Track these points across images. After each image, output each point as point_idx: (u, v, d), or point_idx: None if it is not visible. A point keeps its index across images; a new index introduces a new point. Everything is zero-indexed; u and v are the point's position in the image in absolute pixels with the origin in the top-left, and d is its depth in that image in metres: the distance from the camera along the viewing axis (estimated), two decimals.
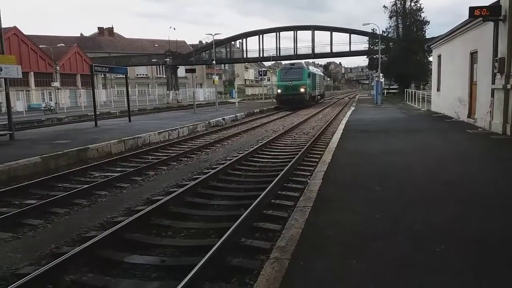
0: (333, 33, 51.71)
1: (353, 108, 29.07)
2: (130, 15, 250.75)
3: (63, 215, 6.77)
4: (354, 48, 51.81)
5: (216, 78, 37.68)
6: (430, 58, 35.08)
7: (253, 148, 12.28)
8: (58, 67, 51.74)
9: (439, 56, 22.07)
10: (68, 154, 11.15)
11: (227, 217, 6.22)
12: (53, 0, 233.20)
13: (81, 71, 56.82)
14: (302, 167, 9.58)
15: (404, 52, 45.72)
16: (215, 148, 13.61)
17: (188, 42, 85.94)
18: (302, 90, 34.20)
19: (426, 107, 25.23)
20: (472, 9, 12.42)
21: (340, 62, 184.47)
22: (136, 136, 14.46)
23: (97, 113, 21.29)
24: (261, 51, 54.25)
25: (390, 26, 51.37)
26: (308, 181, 7.49)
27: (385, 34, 49.94)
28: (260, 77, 49.45)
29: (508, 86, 11.70)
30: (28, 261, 4.89)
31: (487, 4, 12.61)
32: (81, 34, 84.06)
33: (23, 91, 41.77)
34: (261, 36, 53.58)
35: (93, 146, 12.20)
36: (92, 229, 5.96)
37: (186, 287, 3.79)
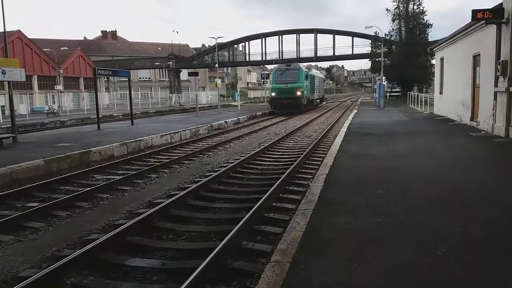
0: (336, 36, 51.70)
1: (356, 111, 29.03)
2: (133, 18, 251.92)
3: (65, 217, 6.77)
4: (356, 51, 51.80)
5: (218, 81, 37.76)
6: (433, 61, 35.03)
7: (255, 151, 12.28)
8: (61, 71, 52.00)
9: (442, 59, 22.05)
10: (71, 157, 11.17)
11: (229, 220, 6.21)
12: (56, 4, 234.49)
13: (84, 75, 57.05)
14: (304, 170, 9.56)
15: (406, 55, 45.69)
16: (217, 151, 13.61)
17: (191, 46, 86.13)
18: (298, 93, 31.10)
19: (429, 110, 25.18)
20: (474, 12, 12.40)
21: (342, 65, 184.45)
22: (139, 139, 14.49)
23: (100, 116, 21.34)
24: (263, 54, 54.31)
25: (392, 29, 51.52)
26: (310, 184, 7.47)
27: (388, 37, 49.95)
28: (262, 80, 49.53)
29: (511, 89, 11.66)
30: (29, 264, 4.89)
31: (490, 7, 12.59)
32: (85, 37, 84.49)
33: (26, 94, 41.96)
34: (263, 39, 53.63)
35: (96, 149, 12.22)
36: (93, 232, 5.96)
37: None
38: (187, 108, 45.70)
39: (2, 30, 14.76)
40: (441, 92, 22.56)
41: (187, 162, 11.62)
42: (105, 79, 62.12)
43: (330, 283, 3.43)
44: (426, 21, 49.82)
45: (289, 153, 12.54)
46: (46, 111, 37.31)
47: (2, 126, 24.63)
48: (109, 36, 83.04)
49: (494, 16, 12.19)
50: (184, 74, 61.43)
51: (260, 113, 30.64)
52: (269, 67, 73.76)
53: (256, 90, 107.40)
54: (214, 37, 49.13)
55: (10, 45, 40.04)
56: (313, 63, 55.92)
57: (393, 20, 51.01)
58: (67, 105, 45.77)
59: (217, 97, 40.76)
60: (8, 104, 16.85)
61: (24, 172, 9.58)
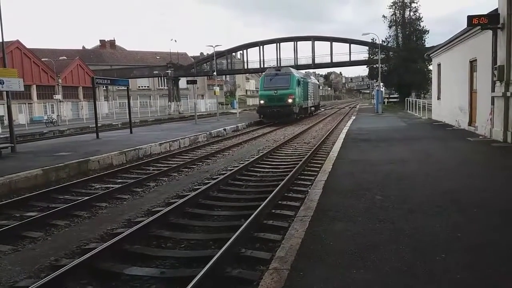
0: (333, 43, 51.98)
1: (354, 117, 29.10)
2: (132, 28, 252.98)
3: (63, 227, 6.76)
4: (354, 58, 52.03)
5: (217, 89, 37.86)
6: (430, 67, 35.16)
7: (254, 158, 12.28)
8: (60, 80, 52.07)
9: (439, 65, 22.15)
10: (69, 166, 11.16)
11: (227, 227, 6.20)
12: (55, 14, 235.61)
13: (83, 84, 57.14)
14: (303, 177, 9.56)
15: (404, 61, 45.90)
16: (216, 158, 13.60)
17: (190, 54, 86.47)
18: (289, 100, 28.28)
19: (427, 115, 25.24)
20: (470, 18, 12.49)
21: (340, 72, 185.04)
22: (137, 147, 14.48)
23: (99, 125, 21.36)
24: (261, 62, 54.47)
25: (389, 35, 51.80)
26: (309, 190, 7.47)
27: (385, 44, 50.23)
28: None
29: (508, 94, 11.71)
30: (27, 273, 4.87)
31: (485, 13, 12.67)
32: (83, 47, 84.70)
33: (25, 104, 41.99)
34: (261, 47, 53.87)
35: (94, 158, 12.21)
36: (92, 241, 5.94)
37: None
38: (186, 116, 45.76)
39: (0, 41, 14.79)
40: (438, 98, 22.64)
41: (186, 170, 11.61)
42: (104, 88, 62.29)
43: None
44: (423, 27, 50.26)
45: (288, 159, 12.54)
46: (45, 121, 37.31)
47: (1, 136, 24.60)
48: (108, 45, 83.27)
49: (489, 21, 12.28)
50: (183, 82, 61.47)
51: (259, 120, 30.61)
52: None
53: (255, 97, 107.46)
54: (212, 45, 49.42)
55: (9, 55, 40.12)
56: (311, 70, 55.89)
57: (390, 27, 51.39)
58: (66, 114, 45.81)
59: (216, 104, 40.77)
60: (6, 114, 16.84)
61: (22, 182, 9.56)
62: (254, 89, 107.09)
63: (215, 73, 49.74)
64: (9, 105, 14.82)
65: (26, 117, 39.35)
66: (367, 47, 50.44)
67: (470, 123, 15.89)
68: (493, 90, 12.65)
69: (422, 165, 9.03)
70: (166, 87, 64.99)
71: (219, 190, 8.70)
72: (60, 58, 53.88)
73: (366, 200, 6.12)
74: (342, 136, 15.98)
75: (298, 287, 3.51)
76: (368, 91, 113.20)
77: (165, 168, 11.51)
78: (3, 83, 13.69)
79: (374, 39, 45.87)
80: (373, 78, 56.17)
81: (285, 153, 14.04)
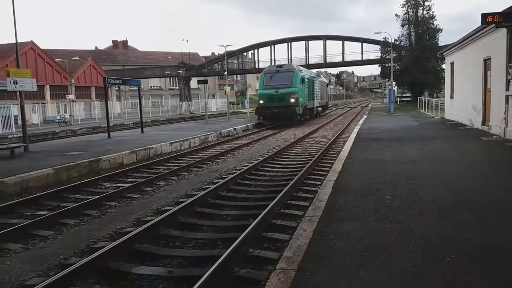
0: (345, 42, 51.65)
1: (366, 117, 28.87)
2: (144, 28, 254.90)
3: (73, 226, 6.81)
4: (366, 57, 51.61)
5: (228, 88, 37.89)
6: (443, 66, 34.71)
7: (263, 158, 12.24)
8: (73, 80, 52.65)
9: (452, 64, 21.85)
10: (80, 165, 11.25)
11: (236, 227, 6.18)
12: (69, 15, 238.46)
13: (95, 84, 57.66)
14: (312, 176, 9.50)
15: (416, 60, 45.39)
16: (226, 158, 13.60)
17: (201, 54, 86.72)
18: (292, 100, 25.34)
19: (440, 115, 24.93)
20: (484, 16, 12.25)
21: (352, 71, 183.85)
22: (148, 146, 14.55)
23: (111, 124, 21.52)
24: (273, 62, 54.27)
25: (402, 34, 51.11)
26: (318, 190, 7.41)
27: (397, 43, 49.68)
28: None
29: None
30: (36, 272, 4.91)
31: (500, 11, 12.44)
32: (96, 47, 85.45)
33: (39, 103, 42.50)
34: (272, 46, 53.80)
35: (105, 157, 12.30)
36: (101, 240, 5.97)
37: None
38: (197, 116, 45.91)
39: (14, 42, 14.99)
40: (451, 97, 22.34)
41: (196, 169, 11.63)
42: (116, 88, 62.78)
43: None
44: (436, 26, 49.50)
45: (298, 159, 12.48)
46: (58, 121, 37.74)
47: (15, 136, 24.96)
48: (120, 45, 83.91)
49: (504, 19, 12.03)
50: (194, 82, 61.67)
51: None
52: None
53: None
54: (223, 45, 49.46)
55: (23, 55, 40.76)
56: (322, 69, 55.69)
57: (403, 26, 50.74)
58: (79, 114, 46.30)
59: (226, 104, 40.80)
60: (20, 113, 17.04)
61: (34, 181, 9.67)
62: None
63: (225, 72, 49.79)
64: (22, 105, 15.00)
65: (39, 116, 39.83)
66: (379, 46, 49.94)
67: (483, 123, 15.64)
68: (507, 89, 12.42)
69: (433, 165, 8.90)
70: (177, 87, 65.30)
71: (228, 189, 8.69)
72: (73, 58, 54.50)
73: (376, 200, 6.04)
74: (353, 135, 15.86)
75: (305, 287, 3.47)
76: (380, 90, 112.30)
77: (175, 168, 11.54)
78: (17, 83, 13.86)
79: (387, 38, 45.44)
80: (385, 77, 55.70)
81: (295, 152, 13.97)
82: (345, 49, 51.54)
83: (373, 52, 52.06)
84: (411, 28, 50.60)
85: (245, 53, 60.72)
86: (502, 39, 12.66)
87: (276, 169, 10.92)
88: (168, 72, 61.47)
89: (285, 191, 7.53)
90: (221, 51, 54.47)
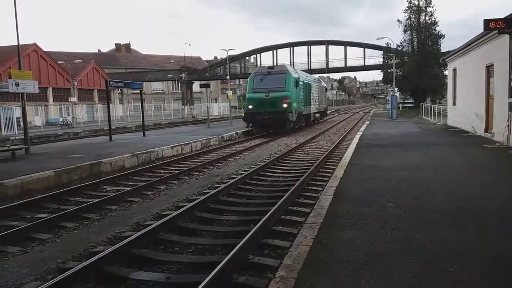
0: (347, 47, 51.78)
1: (368, 123, 28.81)
2: (147, 32, 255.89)
3: (72, 229, 6.76)
4: (368, 62, 51.70)
5: (230, 92, 37.87)
6: (446, 72, 34.65)
7: (265, 163, 12.19)
8: (75, 83, 52.82)
9: (455, 70, 21.81)
10: (81, 168, 11.23)
11: (236, 233, 6.12)
12: (72, 18, 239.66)
13: (98, 87, 57.85)
14: (314, 182, 9.44)
15: (419, 66, 45.37)
16: (227, 162, 13.56)
17: (204, 58, 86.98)
18: (284, 105, 22.77)
19: (442, 121, 24.87)
20: (487, 22, 12.21)
21: (355, 77, 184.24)
22: (150, 150, 14.52)
23: (113, 127, 21.55)
24: None
25: (404, 40, 51.03)
26: (319, 196, 7.35)
27: (400, 48, 49.63)
28: None
29: None
30: (33, 276, 4.86)
31: (502, 17, 12.41)
32: (99, 50, 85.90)
33: (41, 106, 42.63)
34: (275, 51, 53.92)
35: (106, 160, 12.27)
36: (99, 244, 5.92)
37: None
38: (199, 120, 45.94)
39: (16, 44, 15.03)
40: (454, 103, 22.28)
41: (197, 173, 11.58)
42: (119, 91, 63.01)
43: None
44: (438, 32, 49.50)
45: (299, 164, 12.42)
46: (60, 123, 37.83)
47: (17, 137, 24.99)
48: (123, 48, 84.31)
49: (507, 25, 11.98)
50: (196, 86, 61.84)
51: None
52: None
53: None
54: (225, 49, 49.57)
55: (26, 57, 40.93)
56: (324, 75, 55.75)
57: (405, 31, 50.69)
58: (81, 116, 46.41)
59: (229, 108, 40.79)
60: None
61: (34, 183, 9.64)
62: None
63: (228, 76, 49.87)
64: (23, 107, 15.00)
65: (42, 119, 39.94)
66: (381, 52, 50.00)
67: (486, 130, 15.57)
68: (510, 96, 12.36)
69: (436, 172, 8.84)
70: (180, 91, 65.45)
71: (229, 194, 8.64)
72: (76, 61, 54.74)
73: (378, 208, 5.99)
74: (355, 141, 15.80)
75: None
76: (382, 96, 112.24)
77: (176, 171, 11.50)
78: (18, 85, 13.88)
79: (389, 44, 45.38)
80: (388, 83, 55.60)
81: (297, 158, 13.92)
82: (347, 55, 51.70)
83: (375, 57, 52.22)
84: (413, 34, 50.58)
85: (247, 58, 60.80)
86: (505, 45, 12.61)
87: (278, 174, 10.87)
88: (171, 75, 61.63)
89: (286, 197, 7.48)
90: (224, 55, 54.58)
